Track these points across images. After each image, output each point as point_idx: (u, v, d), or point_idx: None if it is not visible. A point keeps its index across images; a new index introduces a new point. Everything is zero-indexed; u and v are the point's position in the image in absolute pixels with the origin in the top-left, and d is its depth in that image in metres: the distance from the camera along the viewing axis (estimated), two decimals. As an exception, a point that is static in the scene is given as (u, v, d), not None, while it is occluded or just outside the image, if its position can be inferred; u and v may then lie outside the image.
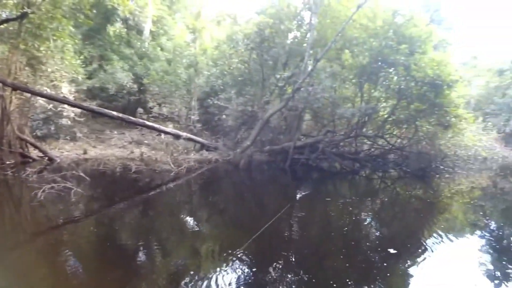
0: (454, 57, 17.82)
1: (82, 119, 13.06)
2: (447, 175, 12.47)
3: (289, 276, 3.28)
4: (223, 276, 3.17)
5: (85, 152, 11.39)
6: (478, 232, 5.35)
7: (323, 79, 13.11)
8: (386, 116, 15.40)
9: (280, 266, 3.50)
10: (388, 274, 3.44)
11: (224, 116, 13.41)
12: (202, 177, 9.93)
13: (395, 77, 14.26)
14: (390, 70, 13.86)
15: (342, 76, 15.13)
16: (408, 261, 3.82)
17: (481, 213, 6.89)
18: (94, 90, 14.56)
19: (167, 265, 3.51)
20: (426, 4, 26.29)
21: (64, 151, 11.29)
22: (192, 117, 16.89)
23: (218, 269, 3.31)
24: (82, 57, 12.71)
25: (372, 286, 3.11)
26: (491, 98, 19.46)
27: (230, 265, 3.41)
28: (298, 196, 8.20)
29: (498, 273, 3.51)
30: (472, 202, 8.15)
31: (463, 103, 17.23)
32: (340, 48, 14.57)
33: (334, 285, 3.07)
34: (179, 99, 17.25)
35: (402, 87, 13.55)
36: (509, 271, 3.65)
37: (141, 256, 3.77)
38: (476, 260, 3.89)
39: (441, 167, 13.67)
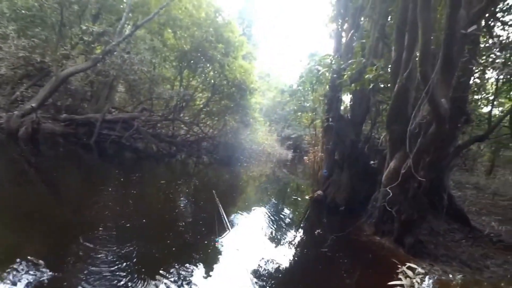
0: (255, 70, 26.59)
1: None
2: (245, 164, 17.37)
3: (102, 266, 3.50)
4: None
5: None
6: (264, 206, 8.38)
7: (142, 50, 14.68)
8: (201, 106, 19.09)
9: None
10: (201, 248, 4.47)
11: None
12: None
13: (211, 72, 18.48)
14: (208, 65, 17.51)
15: (163, 54, 17.55)
16: (212, 236, 4.96)
17: (267, 192, 10.92)
18: None
19: None
20: (241, 17, 36.43)
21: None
22: None
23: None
24: None
25: (188, 261, 3.95)
26: (275, 109, 31.23)
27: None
28: (108, 178, 8.46)
29: (277, 236, 5.84)
30: (260, 184, 12.48)
31: (258, 109, 26.34)
32: (163, 24, 15.94)
33: (153, 265, 3.65)
34: None
35: (216, 82, 17.73)
36: (283, 234, 6.08)
37: None
38: (263, 227, 6.19)
39: (241, 157, 18.97)
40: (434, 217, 7.53)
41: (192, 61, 17.04)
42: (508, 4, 7.08)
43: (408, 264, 3.90)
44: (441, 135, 4.55)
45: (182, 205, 7.32)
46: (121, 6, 15.60)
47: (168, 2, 14.09)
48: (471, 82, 8.70)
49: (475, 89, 9.24)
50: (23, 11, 11.81)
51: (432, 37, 5.53)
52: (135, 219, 5.32)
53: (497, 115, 11.23)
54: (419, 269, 3.83)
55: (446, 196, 7.49)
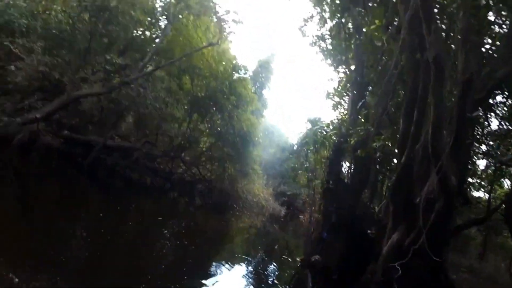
0: (261, 126, 27.45)
1: None
2: (237, 213, 16.97)
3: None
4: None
5: None
6: (249, 260, 8.00)
7: (158, 89, 15.29)
8: (204, 149, 19.43)
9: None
10: None
11: (13, 67, 10.70)
12: None
13: (219, 121, 19.14)
14: (217, 113, 18.08)
15: (177, 96, 18.39)
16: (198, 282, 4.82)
17: (253, 246, 10.49)
18: None
19: None
20: (254, 79, 38.82)
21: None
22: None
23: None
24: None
25: None
26: (274, 165, 31.37)
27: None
28: (89, 204, 8.30)
29: None
30: (248, 237, 12.04)
31: (259, 162, 26.37)
32: (183, 70, 16.97)
33: None
34: None
35: (223, 130, 18.33)
36: None
37: None
38: (245, 283, 5.97)
39: (234, 205, 18.42)
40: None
41: (203, 107, 17.61)
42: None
43: None
44: (448, 211, 4.37)
45: (163, 248, 6.81)
46: (148, 47, 16.63)
47: (192, 53, 15.05)
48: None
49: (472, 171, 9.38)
50: (55, 31, 12.44)
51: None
52: (105, 256, 4.87)
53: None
54: None
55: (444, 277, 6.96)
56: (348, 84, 9.71)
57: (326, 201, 8.44)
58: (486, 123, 7.99)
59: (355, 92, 9.48)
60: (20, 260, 3.75)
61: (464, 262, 14.11)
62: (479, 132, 7.89)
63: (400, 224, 5.12)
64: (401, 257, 4.62)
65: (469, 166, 8.89)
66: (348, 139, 7.36)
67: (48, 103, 11.92)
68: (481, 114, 7.39)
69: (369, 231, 7.76)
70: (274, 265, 8.33)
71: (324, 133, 9.33)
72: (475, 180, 10.38)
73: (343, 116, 10.16)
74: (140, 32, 17.07)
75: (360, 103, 8.83)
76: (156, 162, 15.87)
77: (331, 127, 8.25)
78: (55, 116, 12.32)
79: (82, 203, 8.20)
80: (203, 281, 4.96)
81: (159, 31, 17.16)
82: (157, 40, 15.38)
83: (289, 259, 9.62)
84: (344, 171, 9.81)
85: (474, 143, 7.24)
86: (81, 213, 7.12)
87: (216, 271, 5.88)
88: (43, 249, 4.41)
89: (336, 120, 9.20)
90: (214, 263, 6.39)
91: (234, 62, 17.65)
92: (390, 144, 6.68)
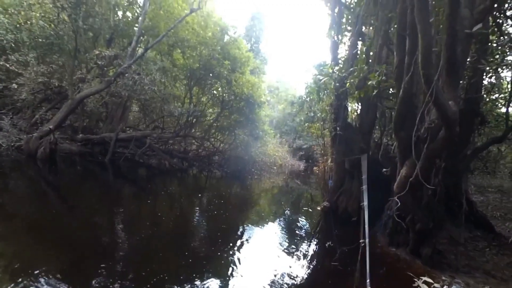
0: (264, 84, 26.77)
1: None
2: (256, 177, 17.24)
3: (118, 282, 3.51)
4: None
5: None
6: (277, 218, 8.41)
7: (152, 71, 15.07)
8: (211, 121, 19.32)
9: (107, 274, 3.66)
10: (214, 262, 4.49)
11: (15, 86, 10.98)
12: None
13: (219, 88, 18.72)
14: (216, 81, 17.75)
15: (173, 74, 17.99)
16: (230, 248, 5.13)
17: (279, 204, 10.80)
18: None
19: None
20: (249, 34, 37.12)
21: None
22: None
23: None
24: None
25: (203, 275, 3.97)
26: (285, 121, 31.15)
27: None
28: (125, 195, 8.67)
29: (289, 248, 5.63)
30: (273, 196, 12.31)
31: (268, 121, 26.32)
32: (172, 45, 16.35)
33: (167, 281, 3.66)
34: None
35: (225, 98, 18.09)
36: (295, 246, 5.89)
37: None
38: (276, 240, 6.09)
39: (252, 170, 18.92)
40: (454, 225, 7.09)
41: (200, 79, 17.29)
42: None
43: (424, 278, 3.60)
44: (452, 139, 4.29)
45: (196, 219, 7.30)
46: (134, 29, 16.18)
47: (176, 24, 14.47)
48: (485, 82, 8.37)
49: (491, 89, 8.80)
50: (41, 39, 12.44)
51: (436, 40, 5.35)
52: (153, 234, 5.44)
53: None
54: (436, 285, 3.52)
55: (465, 201, 7.05)
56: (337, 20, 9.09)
57: (335, 148, 8.46)
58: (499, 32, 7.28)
59: (350, 28, 8.98)
60: (93, 248, 4.30)
61: (495, 182, 14.09)
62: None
63: (407, 159, 5.11)
64: (414, 189, 4.71)
65: (485, 82, 8.40)
66: (345, 82, 7.12)
67: (56, 111, 12.29)
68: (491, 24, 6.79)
69: (384, 170, 7.80)
70: (301, 218, 8.61)
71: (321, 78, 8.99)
72: (501, 95, 9.48)
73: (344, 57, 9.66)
74: (120, 16, 16.54)
75: (353, 39, 8.39)
76: (169, 144, 16.25)
77: (324, 72, 7.93)
78: (66, 123, 12.72)
79: (121, 196, 8.75)
80: (237, 245, 5.43)
81: (139, 9, 16.55)
82: (139, 20, 14.81)
83: (310, 210, 9.99)
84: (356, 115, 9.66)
85: (490, 56, 6.69)
86: (125, 205, 7.66)
87: (248, 234, 6.26)
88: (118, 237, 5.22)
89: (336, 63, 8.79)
90: (245, 227, 6.81)
91: (221, 23, 16.80)
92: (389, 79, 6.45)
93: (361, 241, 4.58)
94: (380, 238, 6.23)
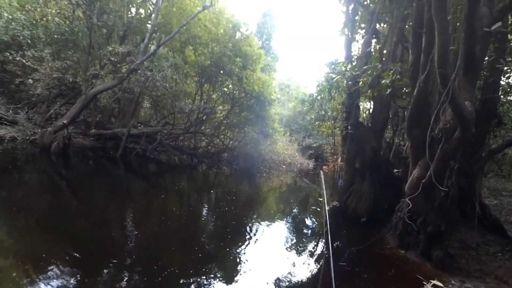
0: (275, 81, 26.64)
1: None
2: (264, 174, 17.22)
3: (129, 275, 3.60)
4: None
5: None
6: (284, 216, 8.45)
7: (164, 67, 15.22)
8: (222, 118, 19.42)
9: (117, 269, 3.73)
10: (222, 258, 4.56)
11: (30, 81, 11.36)
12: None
13: (230, 85, 18.62)
14: (227, 78, 17.71)
15: (184, 71, 18.18)
16: (238, 245, 5.16)
17: (287, 202, 10.80)
18: None
19: None
20: (260, 31, 37.02)
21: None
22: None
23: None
24: None
25: (211, 270, 4.03)
26: (295, 119, 31.02)
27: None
28: (136, 190, 8.83)
29: (296, 247, 5.73)
30: (281, 194, 12.30)
31: (278, 119, 26.21)
32: (184, 42, 16.52)
33: (176, 276, 3.70)
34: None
35: (235, 95, 18.11)
36: (302, 245, 5.98)
37: None
38: (283, 238, 6.17)
39: (261, 167, 18.90)
40: (467, 228, 6.94)
41: (211, 76, 17.35)
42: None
43: (434, 281, 3.53)
44: (467, 140, 4.19)
45: (205, 215, 7.37)
46: (147, 26, 16.35)
47: (188, 21, 14.53)
48: (502, 82, 8.11)
49: (508, 89, 8.53)
50: (57, 36, 12.73)
51: (453, 38, 5.21)
52: (162, 230, 5.54)
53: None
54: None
55: (478, 204, 6.87)
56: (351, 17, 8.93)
57: (346, 148, 8.36)
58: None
59: (363, 25, 8.82)
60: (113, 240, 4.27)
61: (509, 186, 13.76)
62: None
63: (420, 159, 5.02)
64: (427, 191, 4.62)
65: (502, 83, 8.11)
66: (358, 80, 7.02)
67: (70, 106, 12.58)
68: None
69: (395, 170, 7.69)
70: (309, 217, 8.62)
71: (333, 77, 8.86)
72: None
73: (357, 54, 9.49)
74: (134, 13, 16.74)
75: (367, 37, 8.24)
76: (179, 141, 16.40)
77: (337, 70, 7.83)
78: (80, 118, 13.00)
79: (132, 191, 8.94)
80: (245, 242, 5.46)
81: (152, 6, 16.70)
82: (152, 17, 14.95)
83: (319, 209, 9.93)
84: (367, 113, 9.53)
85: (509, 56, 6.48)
86: (135, 200, 7.83)
87: (256, 231, 6.27)
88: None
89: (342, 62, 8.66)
90: (253, 224, 6.82)
91: (233, 20, 16.77)
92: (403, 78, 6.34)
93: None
94: (389, 240, 6.14)
